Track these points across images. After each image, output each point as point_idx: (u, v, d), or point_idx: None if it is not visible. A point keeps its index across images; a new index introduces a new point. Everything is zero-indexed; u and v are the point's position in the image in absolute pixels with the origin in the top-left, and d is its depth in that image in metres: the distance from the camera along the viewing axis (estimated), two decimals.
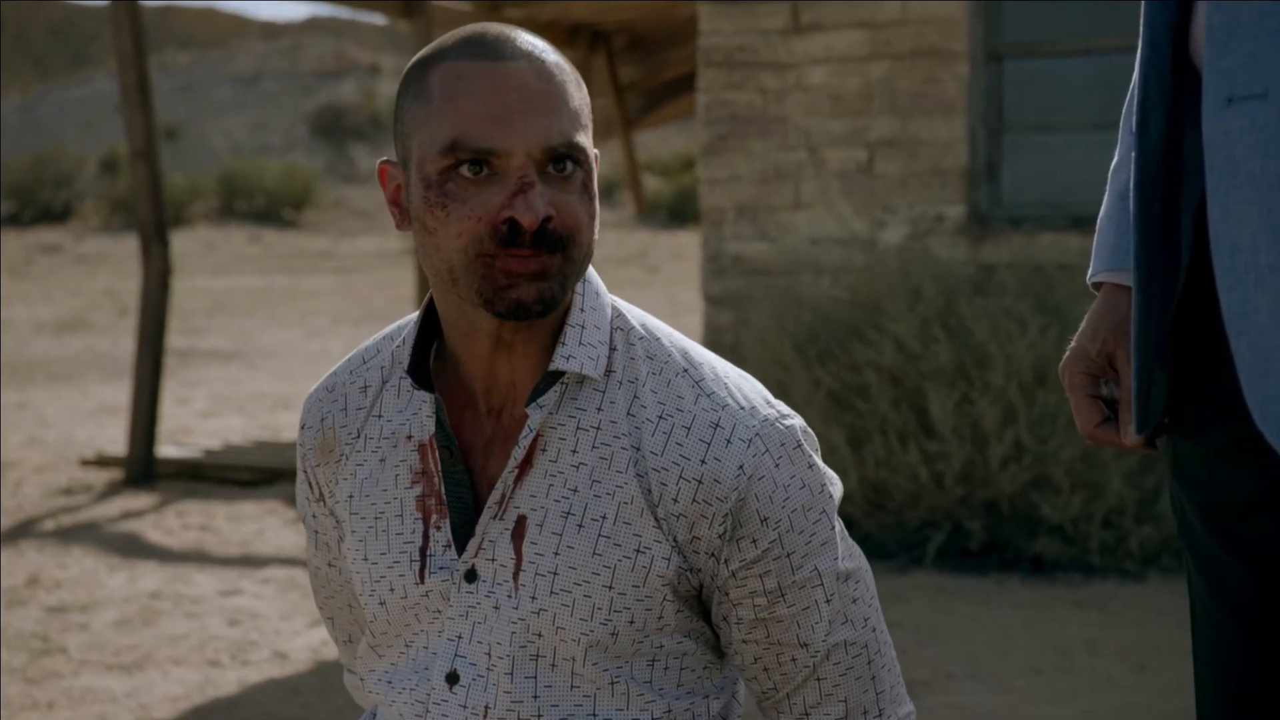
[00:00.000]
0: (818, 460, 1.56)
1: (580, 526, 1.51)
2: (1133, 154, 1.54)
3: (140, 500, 7.01)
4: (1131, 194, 1.53)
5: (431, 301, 1.58)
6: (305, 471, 1.67)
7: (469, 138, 1.44)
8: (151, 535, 6.28)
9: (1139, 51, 1.54)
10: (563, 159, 1.46)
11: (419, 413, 1.56)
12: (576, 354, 1.51)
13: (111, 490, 7.24)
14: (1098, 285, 1.69)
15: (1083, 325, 1.66)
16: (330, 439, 1.63)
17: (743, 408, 1.53)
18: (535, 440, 1.51)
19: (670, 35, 9.91)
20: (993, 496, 5.24)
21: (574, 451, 1.52)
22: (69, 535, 6.28)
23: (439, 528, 1.55)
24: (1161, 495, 5.14)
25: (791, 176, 6.31)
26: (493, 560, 1.52)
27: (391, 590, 1.57)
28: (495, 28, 1.50)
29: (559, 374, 1.52)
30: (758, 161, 6.36)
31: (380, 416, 1.60)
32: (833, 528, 1.55)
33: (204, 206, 29.17)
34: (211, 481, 7.38)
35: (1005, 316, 5.34)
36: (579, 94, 1.50)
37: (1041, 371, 5.21)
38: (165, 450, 7.72)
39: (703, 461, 1.50)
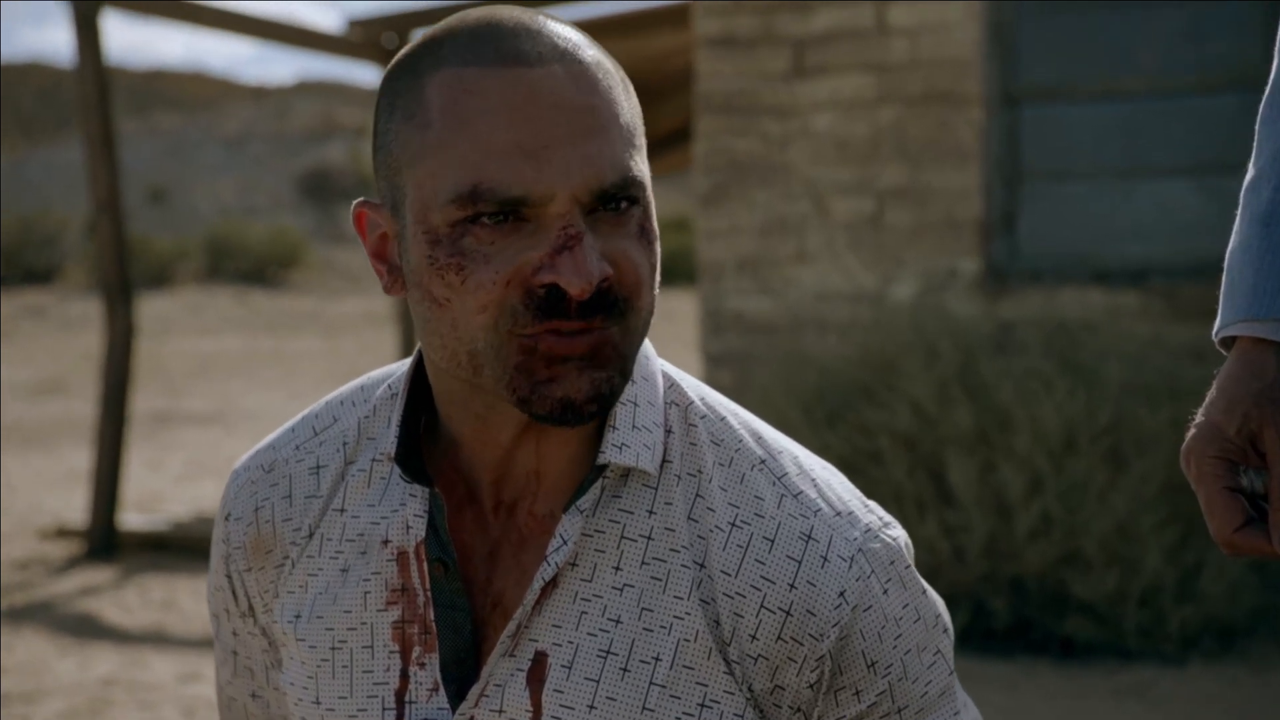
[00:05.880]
0: (925, 583, 1.18)
1: (625, 670, 1.12)
2: None
3: (100, 575, 6.58)
4: None
5: (419, 366, 1.19)
6: (229, 577, 1.25)
7: (493, 183, 1.03)
8: (109, 614, 5.84)
9: None
10: (616, 197, 1.07)
11: (401, 509, 1.17)
12: (631, 441, 1.13)
13: (70, 564, 6.81)
14: (1227, 342, 1.29)
15: (1211, 395, 1.27)
16: (267, 537, 1.22)
17: (839, 513, 1.15)
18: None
19: (663, 86, 9.57)
20: (1018, 572, 4.83)
21: (616, 568, 1.13)
22: (20, 615, 5.84)
23: (423, 665, 1.15)
24: (1203, 572, 4.72)
25: (795, 228, 5.93)
26: (500, 712, 1.13)
27: None
28: (511, 15, 1.08)
29: (601, 465, 1.13)
30: (759, 212, 5.99)
31: (343, 511, 1.20)
32: (950, 671, 1.18)
33: (191, 267, 28.97)
34: (178, 553, 6.95)
35: (1029, 377, 4.95)
36: (628, 101, 1.09)
37: (1070, 436, 4.81)
38: (129, 520, 7.29)
39: (791, 586, 1.12)
